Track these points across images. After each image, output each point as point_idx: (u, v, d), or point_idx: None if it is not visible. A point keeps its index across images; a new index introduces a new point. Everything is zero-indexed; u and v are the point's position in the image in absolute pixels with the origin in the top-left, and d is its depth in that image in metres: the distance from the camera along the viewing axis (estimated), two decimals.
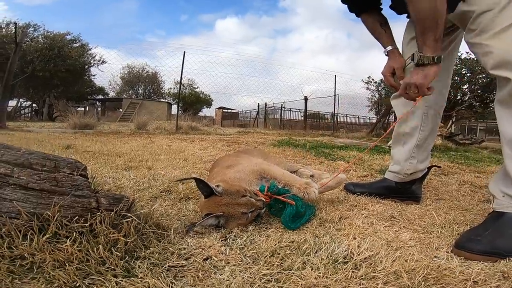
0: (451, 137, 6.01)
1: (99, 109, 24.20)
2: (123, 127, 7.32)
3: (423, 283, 0.69)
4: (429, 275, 0.72)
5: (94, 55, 18.93)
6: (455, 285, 0.69)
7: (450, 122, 8.87)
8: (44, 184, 0.67)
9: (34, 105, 20.28)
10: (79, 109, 17.80)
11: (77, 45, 18.11)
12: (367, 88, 11.22)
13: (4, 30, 15.30)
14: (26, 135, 4.17)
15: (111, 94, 27.93)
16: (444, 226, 1.10)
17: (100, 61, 18.77)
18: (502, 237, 0.89)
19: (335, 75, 11.24)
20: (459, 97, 8.21)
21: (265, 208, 1.10)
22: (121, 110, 22.10)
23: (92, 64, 19.11)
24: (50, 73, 16.09)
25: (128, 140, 3.85)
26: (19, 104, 19.36)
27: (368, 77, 13.74)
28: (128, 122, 12.45)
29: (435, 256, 0.86)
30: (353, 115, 19.15)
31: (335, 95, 11.09)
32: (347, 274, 0.71)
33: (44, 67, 15.83)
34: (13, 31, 7.02)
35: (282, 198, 1.08)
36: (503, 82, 0.97)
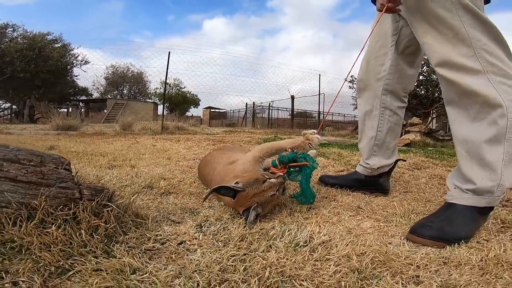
0: (431, 133, 6.17)
1: (82, 110, 23.70)
2: (108, 128, 7.25)
3: (370, 265, 0.74)
4: (377, 258, 0.78)
5: (76, 55, 18.64)
6: (399, 268, 0.75)
7: (430, 118, 9.18)
8: (31, 177, 0.74)
9: (14, 106, 19.73)
10: (61, 110, 17.43)
11: (59, 45, 17.74)
12: (350, 87, 11.46)
13: None
14: (6, 137, 4.11)
15: (95, 94, 27.41)
16: (403, 216, 1.16)
17: (83, 62, 18.50)
18: (450, 225, 0.96)
19: (319, 74, 11.49)
20: (436, 94, 8.50)
21: (286, 180, 1.17)
22: (105, 111, 21.71)
23: (74, 64, 18.80)
24: (31, 74, 15.70)
25: (113, 141, 3.84)
26: None
27: (351, 76, 13.96)
28: (113, 123, 12.25)
29: (389, 243, 0.91)
30: (339, 113, 19.51)
31: (319, 93, 11.31)
32: (304, 256, 0.79)
33: (25, 68, 15.42)
34: None
35: (296, 164, 1.17)
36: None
